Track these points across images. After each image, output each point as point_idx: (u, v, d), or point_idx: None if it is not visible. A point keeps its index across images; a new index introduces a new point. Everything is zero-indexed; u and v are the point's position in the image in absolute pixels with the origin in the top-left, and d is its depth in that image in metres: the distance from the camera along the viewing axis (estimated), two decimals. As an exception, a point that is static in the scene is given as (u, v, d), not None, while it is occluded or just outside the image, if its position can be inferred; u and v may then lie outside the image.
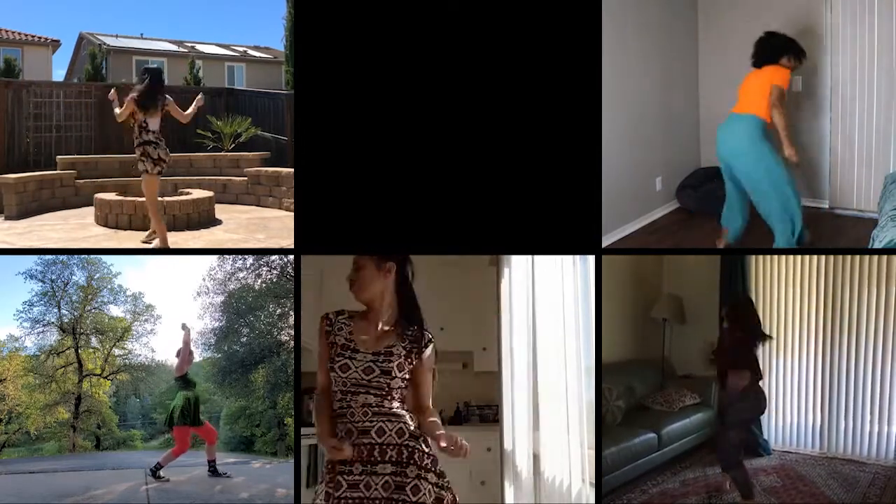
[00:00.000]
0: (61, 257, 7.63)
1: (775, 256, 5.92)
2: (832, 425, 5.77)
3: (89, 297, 8.24)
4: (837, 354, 5.74)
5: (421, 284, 4.73)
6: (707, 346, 5.72)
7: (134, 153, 5.70)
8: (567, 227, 4.48)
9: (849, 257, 5.63)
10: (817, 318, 5.81)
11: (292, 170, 5.14)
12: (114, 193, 7.32)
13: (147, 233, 6.12)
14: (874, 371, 5.60)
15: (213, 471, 6.20)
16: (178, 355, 6.25)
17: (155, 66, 5.99)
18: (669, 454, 5.35)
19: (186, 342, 6.25)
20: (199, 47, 16.78)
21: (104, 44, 15.29)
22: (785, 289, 5.95)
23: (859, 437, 5.66)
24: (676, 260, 6.41)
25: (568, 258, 4.27)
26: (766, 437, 5.88)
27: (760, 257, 5.98)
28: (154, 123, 5.63)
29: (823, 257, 5.72)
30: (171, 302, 8.60)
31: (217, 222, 7.16)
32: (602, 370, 5.42)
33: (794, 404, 5.95)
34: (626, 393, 5.61)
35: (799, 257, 5.82)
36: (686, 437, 5.53)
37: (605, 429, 5.16)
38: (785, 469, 5.45)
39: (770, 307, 6.00)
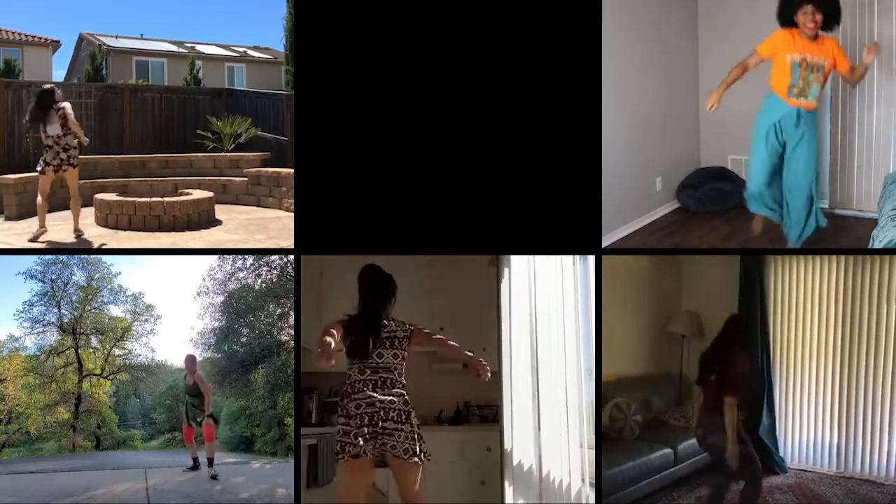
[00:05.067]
0: (61, 257, 7.63)
1: (792, 268, 5.89)
2: (849, 444, 5.63)
3: (89, 297, 8.24)
4: (855, 371, 5.61)
5: (421, 284, 4.76)
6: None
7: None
8: (567, 227, 4.48)
9: (868, 266, 5.51)
10: (835, 333, 5.70)
11: (292, 170, 5.15)
12: (113, 194, 7.32)
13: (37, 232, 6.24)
14: (893, 388, 5.47)
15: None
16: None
17: (48, 87, 6.44)
18: (685, 470, 5.31)
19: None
20: (199, 48, 16.77)
21: (104, 44, 15.29)
22: (802, 304, 5.84)
23: (877, 457, 5.51)
24: (695, 274, 6.37)
25: (568, 258, 4.27)
26: (781, 454, 5.80)
27: (780, 270, 5.94)
28: (52, 129, 6.12)
29: (841, 269, 5.63)
30: (171, 302, 8.60)
31: (217, 223, 7.16)
32: (610, 382, 5.42)
33: (810, 422, 5.83)
34: (644, 407, 5.59)
35: (817, 268, 5.75)
36: (702, 453, 5.48)
37: (623, 443, 5.16)
38: (801, 488, 5.37)
39: (787, 322, 5.91)
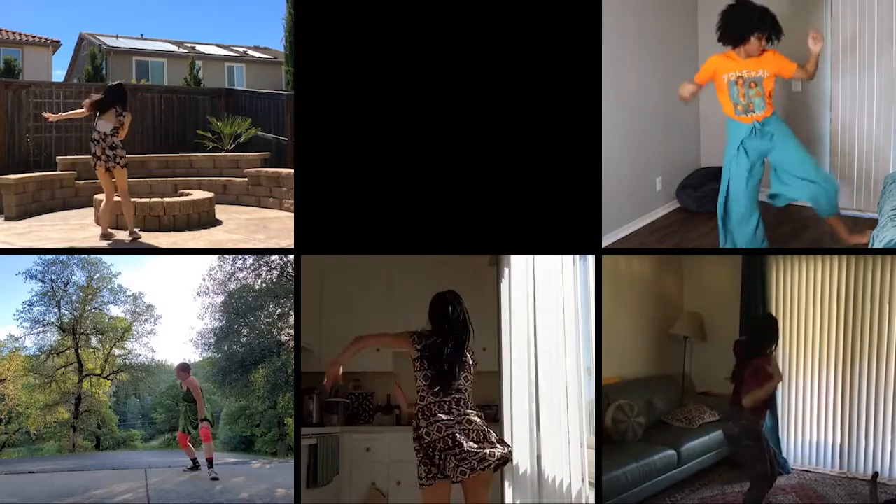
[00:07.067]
0: (61, 257, 7.63)
1: (794, 268, 5.88)
2: (853, 444, 5.63)
3: (89, 297, 8.24)
4: (857, 371, 5.60)
5: (421, 284, 4.74)
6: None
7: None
8: (567, 227, 4.48)
9: (869, 266, 5.52)
10: (837, 333, 5.70)
11: (292, 170, 5.15)
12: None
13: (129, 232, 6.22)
14: (895, 388, 5.45)
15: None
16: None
17: (119, 82, 6.78)
18: (688, 471, 5.32)
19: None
20: (199, 48, 16.79)
21: (104, 44, 15.30)
22: (805, 305, 5.85)
23: (880, 457, 5.50)
24: (695, 274, 6.38)
25: (568, 258, 4.27)
26: (784, 455, 5.80)
27: (781, 270, 5.94)
28: (102, 125, 6.11)
29: (843, 269, 5.65)
30: (171, 302, 8.60)
31: (217, 223, 7.16)
32: (612, 384, 5.40)
33: (812, 422, 5.83)
34: (647, 409, 5.60)
35: (818, 268, 5.77)
36: (705, 454, 5.48)
37: (626, 445, 5.16)
38: (804, 489, 5.36)
39: (790, 323, 5.91)
